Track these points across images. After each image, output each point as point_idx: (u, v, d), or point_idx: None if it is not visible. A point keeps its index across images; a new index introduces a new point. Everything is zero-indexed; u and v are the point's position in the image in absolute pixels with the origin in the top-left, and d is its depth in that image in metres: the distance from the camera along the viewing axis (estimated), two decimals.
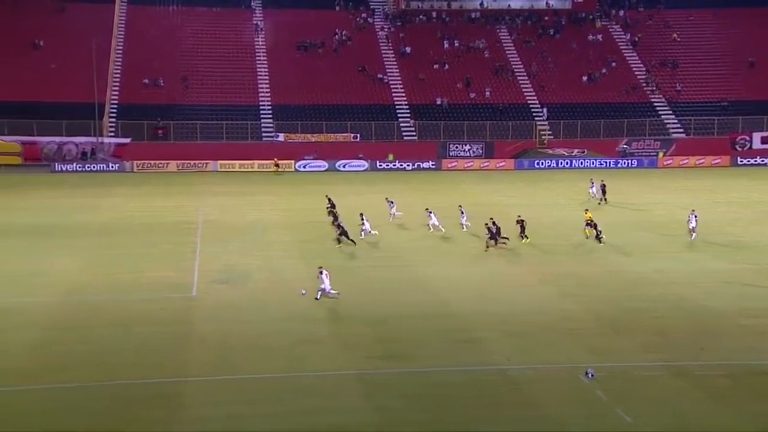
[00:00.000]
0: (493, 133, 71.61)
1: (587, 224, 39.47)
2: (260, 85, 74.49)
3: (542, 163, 69.17)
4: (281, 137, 70.54)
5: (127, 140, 67.71)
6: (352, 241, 37.58)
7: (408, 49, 79.48)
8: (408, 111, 73.84)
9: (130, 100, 70.40)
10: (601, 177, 53.62)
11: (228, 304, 29.76)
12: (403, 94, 75.30)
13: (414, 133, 72.22)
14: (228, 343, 25.62)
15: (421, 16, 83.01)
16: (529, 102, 75.49)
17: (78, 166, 64.82)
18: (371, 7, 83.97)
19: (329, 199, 45.01)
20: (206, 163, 66.15)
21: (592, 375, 22.34)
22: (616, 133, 72.17)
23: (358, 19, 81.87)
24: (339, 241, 37.60)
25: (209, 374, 23.06)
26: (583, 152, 70.76)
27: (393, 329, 27.00)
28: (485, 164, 69.04)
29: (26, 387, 22.07)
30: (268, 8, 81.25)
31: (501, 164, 69.05)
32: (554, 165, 68.93)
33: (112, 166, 65.28)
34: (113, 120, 69.15)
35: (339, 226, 38.71)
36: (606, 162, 69.81)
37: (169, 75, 73.12)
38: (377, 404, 21.15)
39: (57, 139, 66.95)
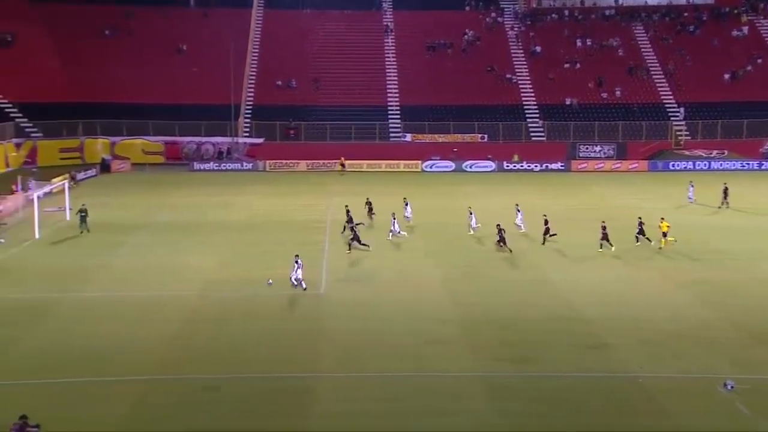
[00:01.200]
0: (626, 134, 69.20)
1: (664, 235, 37.48)
2: (389, 86, 75.31)
3: (678, 164, 66.09)
4: (408, 137, 70.98)
5: (261, 140, 69.92)
6: (366, 245, 37.22)
7: (538, 49, 78.07)
8: (536, 111, 72.54)
9: (263, 102, 72.65)
10: (726, 180, 50.93)
11: (355, 301, 30.20)
12: (532, 94, 74.05)
13: (542, 134, 70.86)
14: (355, 340, 26.01)
15: (552, 15, 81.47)
16: (664, 101, 72.46)
17: (214, 165, 67.53)
18: (501, 6, 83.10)
19: (368, 201, 44.25)
20: (335, 163, 67.60)
21: (731, 387, 21.17)
22: (761, 133, 68.03)
23: (487, 19, 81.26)
24: (350, 246, 36.99)
25: (337, 371, 23.47)
26: (723, 153, 67.03)
27: (520, 332, 26.71)
28: (617, 165, 66.74)
29: (165, 377, 23.10)
30: (398, 10, 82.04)
31: (634, 166, 66.55)
32: (691, 167, 65.67)
33: (246, 166, 67.59)
34: (248, 121, 71.56)
35: (352, 230, 38.18)
36: (748, 164, 65.83)
37: (301, 77, 74.94)
38: (502, 407, 20.95)
39: (196, 139, 70.09)
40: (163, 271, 34.23)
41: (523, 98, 73.76)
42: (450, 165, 67.95)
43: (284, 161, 67.47)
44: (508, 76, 75.68)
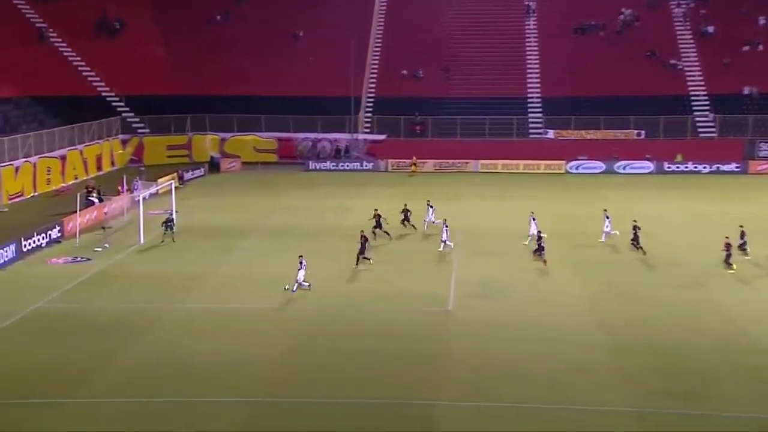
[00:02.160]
0: None
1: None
2: (529, 76, 74.31)
3: None
4: (551, 134, 69.86)
5: (383, 137, 70.54)
6: (367, 259, 37.29)
7: (710, 29, 74.77)
8: (706, 102, 69.63)
9: (386, 94, 73.22)
10: None
11: (486, 320, 30.03)
12: (701, 83, 71.11)
13: (713, 130, 67.94)
14: (484, 364, 25.81)
15: None
16: None
17: (331, 164, 68.73)
18: None
19: (405, 209, 44.29)
20: (466, 163, 67.31)
21: None
22: None
23: None
24: (358, 259, 37.05)
25: (462, 398, 23.31)
26: None
27: (681, 361, 25.95)
28: None
29: (276, 399, 23.37)
30: None
31: None
32: None
33: (366, 165, 68.36)
34: (369, 115, 72.34)
35: (364, 241, 37.75)
36: None
37: (429, 65, 75.10)
38: None
39: (312, 135, 71.51)
40: (273, 281, 34.69)
41: (690, 88, 70.95)
42: (599, 166, 66.31)
43: (409, 160, 67.81)
44: (673, 61, 72.99)
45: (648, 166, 65.74)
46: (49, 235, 42.23)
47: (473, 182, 62.25)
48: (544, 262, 37.25)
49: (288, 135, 71.58)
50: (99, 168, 64.77)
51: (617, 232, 41.19)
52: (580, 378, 24.67)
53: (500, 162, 66.97)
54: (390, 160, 68.17)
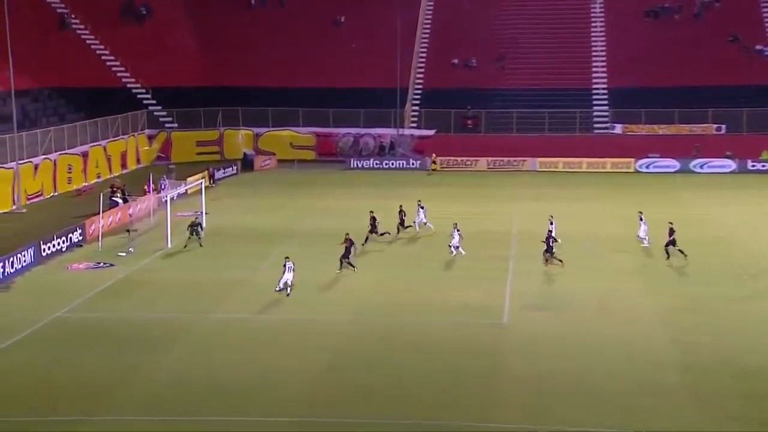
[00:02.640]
0: None
1: None
2: (594, 64, 73.81)
3: None
4: (618, 129, 69.12)
5: (431, 132, 70.63)
6: (352, 265, 37.91)
7: None
8: None
9: (436, 85, 73.32)
10: None
11: (545, 335, 29.79)
12: None
13: None
14: (544, 383, 25.57)
15: None
16: None
17: (375, 162, 68.97)
18: None
19: (401, 210, 45.05)
20: (523, 161, 67.07)
21: None
22: None
23: None
24: (341, 264, 37.80)
25: (519, 421, 23.12)
26: None
27: (765, 384, 25.31)
28: None
29: (316, 418, 23.43)
30: None
31: None
32: None
33: (413, 163, 68.49)
34: (416, 108, 72.55)
35: (350, 246, 38.41)
36: None
37: (483, 53, 75.04)
38: None
39: (354, 130, 71.92)
40: (310, 290, 35.05)
41: None
42: (673, 164, 65.48)
43: (459, 158, 67.76)
44: (759, 47, 71.67)
45: (729, 164, 64.66)
46: (70, 238, 42.76)
47: (530, 182, 61.95)
48: (560, 261, 37.96)
49: (327, 130, 71.99)
50: (123, 166, 65.68)
51: (647, 240, 41.50)
52: (651, 401, 24.30)
53: (561, 160, 66.64)
54: (439, 158, 68.09)
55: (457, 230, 40.32)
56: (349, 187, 60.87)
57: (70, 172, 59.37)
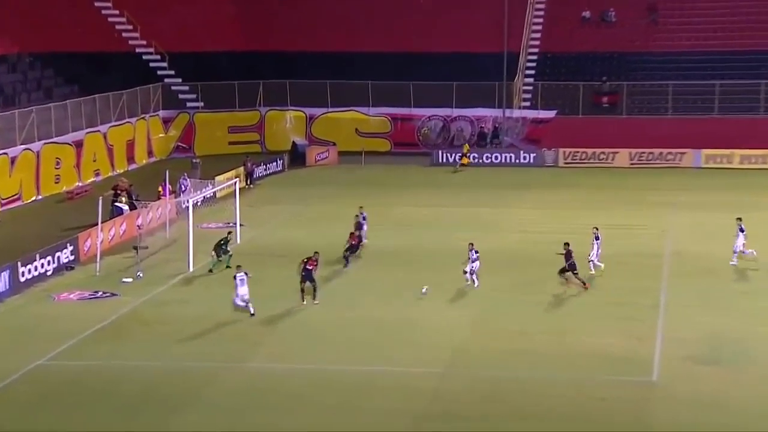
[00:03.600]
0: None
1: None
2: None
3: None
4: None
5: (551, 114, 70.49)
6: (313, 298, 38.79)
7: None
8: None
9: (557, 49, 73.22)
10: None
11: (714, 399, 29.16)
12: None
13: None
14: None
15: None
16: None
17: (472, 155, 68.48)
18: None
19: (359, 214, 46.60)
20: (681, 154, 66.55)
21: None
22: None
23: None
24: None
25: None
26: None
27: None
28: None
29: None
30: None
31: None
32: None
33: (525, 157, 68.25)
34: (530, 81, 72.41)
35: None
36: None
37: (625, 4, 74.69)
38: None
39: (442, 112, 72.02)
40: (380, 330, 35.16)
41: None
42: None
43: (591, 150, 67.34)
44: None
45: None
46: (58, 258, 42.90)
47: (691, 184, 61.28)
48: (583, 284, 39.83)
49: (407, 111, 72.27)
50: (130, 160, 66.42)
51: (754, 252, 42.53)
52: None
53: (737, 153, 65.95)
54: (562, 149, 67.79)
55: (475, 251, 40.63)
56: (435, 189, 60.66)
57: (58, 168, 60.03)
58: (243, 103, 72.46)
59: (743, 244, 42.72)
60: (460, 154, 67.74)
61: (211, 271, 42.77)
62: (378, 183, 62.75)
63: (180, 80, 72.52)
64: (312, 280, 38.38)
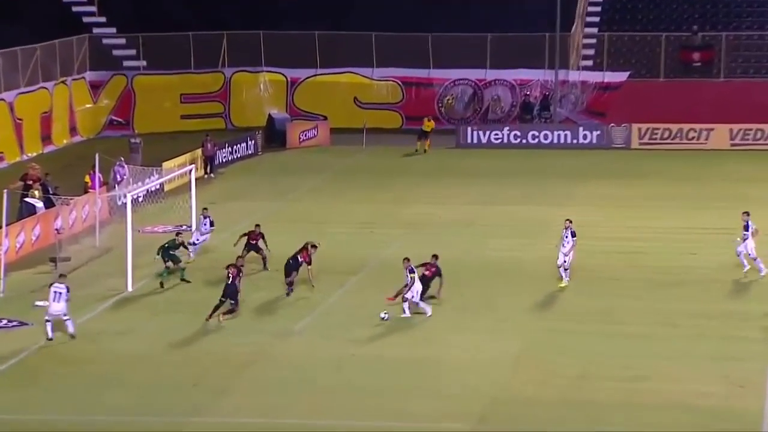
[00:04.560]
0: None
1: None
2: None
3: None
4: None
5: (622, 77, 71.09)
6: (230, 313, 40.18)
7: None
8: None
9: None
10: None
11: None
12: None
13: None
14: None
15: None
16: None
17: (511, 131, 69.38)
18: None
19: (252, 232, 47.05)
20: None
21: None
22: None
23: None
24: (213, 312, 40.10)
25: None
26: None
27: None
28: None
29: None
30: None
31: None
32: None
33: (585, 135, 68.81)
34: (592, 32, 73.30)
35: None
36: None
37: None
38: None
39: (473, 74, 72.89)
40: (391, 373, 35.30)
41: None
42: None
43: (675, 125, 67.84)
44: None
45: None
46: None
47: None
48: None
49: (423, 74, 73.35)
50: (46, 139, 66.68)
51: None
52: None
53: None
54: (636, 125, 68.24)
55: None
56: (460, 179, 61.29)
57: None
58: (201, 62, 72.80)
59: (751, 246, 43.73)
60: (422, 128, 68.26)
61: (161, 284, 42.92)
62: (384, 172, 63.33)
63: (114, 30, 72.97)
64: (230, 296, 39.69)
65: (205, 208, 47.83)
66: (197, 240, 46.93)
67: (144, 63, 72.05)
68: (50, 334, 37.15)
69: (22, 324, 39.72)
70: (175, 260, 43.33)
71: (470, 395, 33.51)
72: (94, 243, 48.57)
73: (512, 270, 45.21)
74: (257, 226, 46.02)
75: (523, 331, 38.86)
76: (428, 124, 67.88)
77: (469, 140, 68.65)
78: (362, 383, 34.26)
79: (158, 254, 43.40)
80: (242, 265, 41.77)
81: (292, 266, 41.86)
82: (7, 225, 45.23)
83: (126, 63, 72.08)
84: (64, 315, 37.22)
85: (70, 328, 37.44)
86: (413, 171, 63.42)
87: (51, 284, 37.64)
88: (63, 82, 68.01)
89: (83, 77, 69.96)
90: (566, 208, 54.01)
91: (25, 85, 65.20)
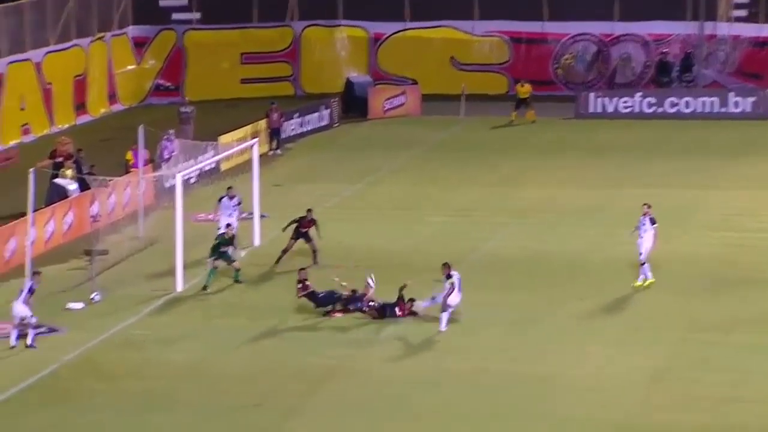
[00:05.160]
0: None
1: None
2: None
3: None
4: None
5: None
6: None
7: None
8: None
9: None
10: None
11: None
12: None
13: None
14: None
15: None
16: None
17: (645, 98, 69.30)
18: None
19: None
20: None
21: None
22: None
23: None
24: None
25: None
26: None
27: None
28: None
29: None
30: None
31: None
32: None
33: (736, 103, 68.56)
34: None
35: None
36: None
37: None
38: None
39: (596, 27, 73.10)
40: (495, 393, 35.38)
41: None
42: None
43: None
44: None
45: None
46: None
47: None
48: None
49: (536, 28, 73.56)
50: (80, 108, 67.31)
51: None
52: None
53: None
54: None
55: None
56: (582, 156, 61.68)
57: None
58: (265, 14, 73.07)
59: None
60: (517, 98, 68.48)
61: (205, 288, 43.31)
62: (487, 147, 63.60)
63: None
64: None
65: (230, 188, 47.77)
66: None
67: (197, 15, 72.43)
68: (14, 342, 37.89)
69: (51, 330, 40.06)
70: (227, 259, 43.67)
71: (593, 421, 33.51)
72: (137, 233, 48.99)
73: (668, 265, 44.84)
74: (309, 211, 46.16)
75: (658, 344, 38.78)
76: (522, 90, 68.10)
77: (591, 109, 68.62)
78: (461, 405, 34.22)
79: (211, 255, 43.90)
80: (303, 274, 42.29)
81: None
82: (33, 211, 45.03)
83: (176, 16, 72.48)
84: (25, 315, 37.90)
85: (30, 337, 38.20)
86: (523, 147, 63.64)
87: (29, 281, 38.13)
88: (101, 38, 68.59)
89: (125, 33, 70.57)
90: (713, 191, 54.00)
91: (56, 42, 65.76)
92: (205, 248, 44.35)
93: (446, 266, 40.53)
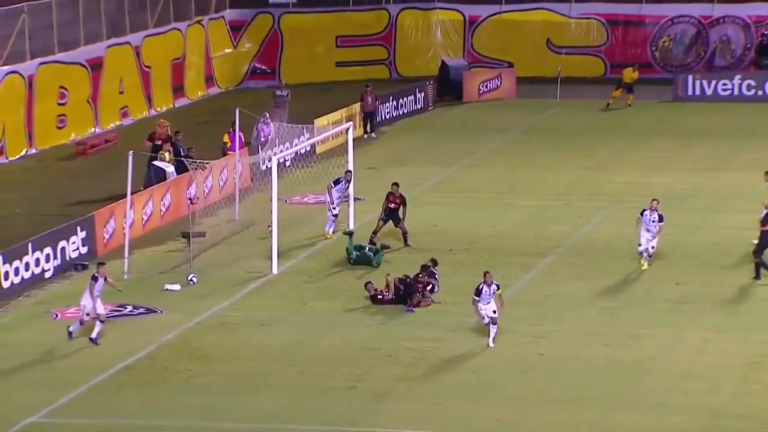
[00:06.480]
0: None
1: None
2: None
3: None
4: None
5: None
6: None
7: None
8: None
9: None
10: None
11: None
12: None
13: None
14: None
15: None
16: None
17: (743, 82, 68.80)
18: None
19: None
20: None
21: None
22: None
23: None
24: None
25: None
26: None
27: None
28: None
29: None
30: None
31: None
32: None
33: None
34: None
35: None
36: None
37: None
38: None
39: (695, 9, 72.82)
40: (586, 377, 35.64)
41: None
42: None
43: None
44: None
45: None
46: (62, 251, 43.85)
47: None
48: None
49: (634, 10, 73.83)
50: (178, 91, 67.85)
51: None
52: None
53: None
54: None
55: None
56: (681, 139, 61.34)
57: (62, 105, 61.34)
58: None
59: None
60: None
61: (350, 260, 44.19)
62: (583, 131, 63.49)
63: None
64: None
65: (348, 171, 47.78)
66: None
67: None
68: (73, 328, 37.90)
69: (149, 311, 40.54)
70: (367, 260, 44.23)
71: (688, 408, 33.42)
72: (234, 216, 49.36)
73: (747, 253, 44.54)
74: (395, 185, 46.02)
75: (755, 330, 38.60)
76: (631, 75, 67.78)
77: (689, 92, 68.26)
78: (554, 390, 34.35)
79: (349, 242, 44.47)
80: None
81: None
82: (132, 194, 45.76)
83: (272, 0, 72.48)
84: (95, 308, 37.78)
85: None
86: (619, 130, 63.44)
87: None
88: (198, 22, 68.94)
89: (222, 17, 70.90)
90: None
91: (154, 25, 66.20)
92: (300, 230, 44.76)
93: (487, 274, 39.13)
